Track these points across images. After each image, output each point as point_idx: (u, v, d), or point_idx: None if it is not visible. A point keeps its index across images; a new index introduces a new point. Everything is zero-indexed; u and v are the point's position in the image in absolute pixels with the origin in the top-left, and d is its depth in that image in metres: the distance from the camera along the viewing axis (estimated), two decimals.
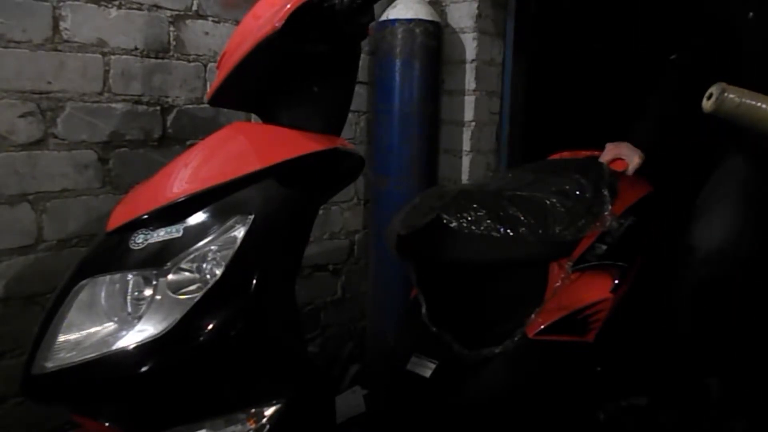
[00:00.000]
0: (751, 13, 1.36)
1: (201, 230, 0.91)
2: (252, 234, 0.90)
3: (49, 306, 0.93)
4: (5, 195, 1.45)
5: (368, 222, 2.22)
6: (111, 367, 0.86)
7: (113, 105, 1.59)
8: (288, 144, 0.98)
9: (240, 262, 0.89)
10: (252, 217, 0.91)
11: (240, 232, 0.90)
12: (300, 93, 1.03)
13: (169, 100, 1.69)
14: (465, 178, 2.13)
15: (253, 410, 0.94)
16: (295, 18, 0.94)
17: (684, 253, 1.55)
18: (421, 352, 1.32)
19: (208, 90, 1.05)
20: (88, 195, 1.57)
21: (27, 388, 0.90)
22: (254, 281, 0.90)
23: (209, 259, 0.89)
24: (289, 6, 0.94)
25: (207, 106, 1.76)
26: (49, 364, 0.88)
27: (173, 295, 0.88)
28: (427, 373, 1.28)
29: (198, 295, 0.87)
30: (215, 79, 1.08)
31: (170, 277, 0.88)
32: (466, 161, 2.12)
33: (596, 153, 1.65)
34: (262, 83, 1.03)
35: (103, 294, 0.90)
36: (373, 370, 1.99)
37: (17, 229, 1.47)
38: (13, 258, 1.48)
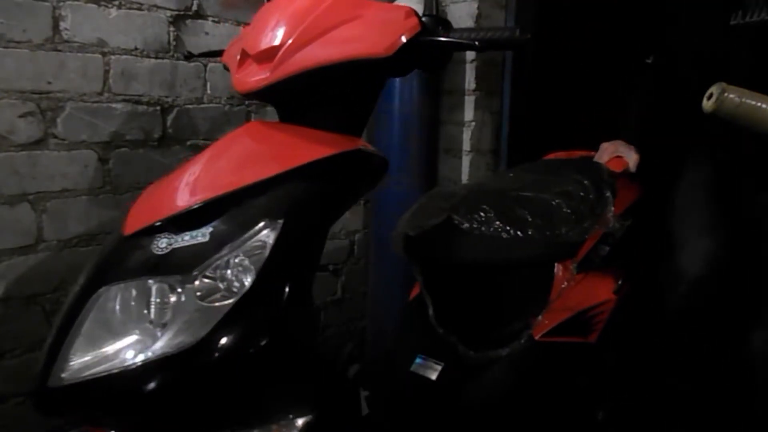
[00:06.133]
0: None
1: (227, 235, 0.85)
2: (282, 239, 0.85)
3: (65, 314, 0.87)
4: (5, 195, 1.44)
5: (368, 222, 2.22)
6: (135, 380, 0.80)
7: (113, 105, 1.58)
8: (312, 145, 0.93)
9: (271, 268, 0.85)
10: (282, 221, 0.86)
11: (270, 238, 0.85)
12: (328, 93, 0.99)
13: (169, 100, 1.68)
14: (465, 178, 2.12)
15: (283, 422, 0.90)
16: (404, 49, 0.91)
17: (664, 282, 1.58)
18: (425, 353, 1.31)
19: (248, 80, 0.94)
20: (88, 195, 1.57)
21: (41, 400, 0.83)
22: (287, 288, 0.86)
23: (237, 265, 0.84)
24: (404, 38, 0.91)
25: (207, 106, 1.76)
26: (67, 377, 0.82)
27: (202, 304, 0.83)
28: (433, 375, 1.27)
29: (229, 303, 0.82)
30: (254, 68, 0.96)
31: (197, 284, 0.83)
32: (466, 161, 2.12)
33: (591, 153, 1.65)
34: (329, 93, 0.98)
35: (124, 302, 0.84)
36: (374, 371, 1.98)
37: (17, 229, 1.47)
38: (13, 258, 1.47)
